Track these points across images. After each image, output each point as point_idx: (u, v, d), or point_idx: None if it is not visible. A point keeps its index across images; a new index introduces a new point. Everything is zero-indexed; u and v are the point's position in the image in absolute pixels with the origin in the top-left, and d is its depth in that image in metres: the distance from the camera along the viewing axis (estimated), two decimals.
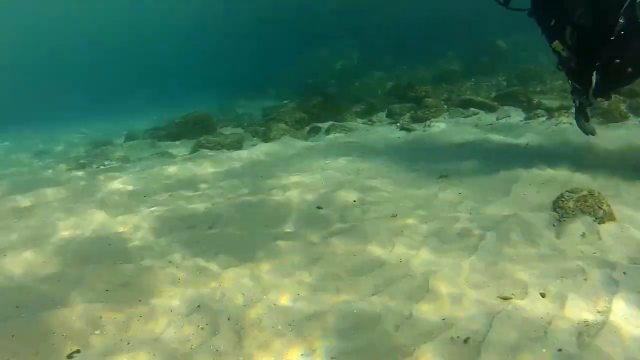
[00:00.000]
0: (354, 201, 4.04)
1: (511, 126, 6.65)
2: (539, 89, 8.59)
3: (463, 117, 7.66)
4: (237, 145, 7.59)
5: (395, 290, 2.53)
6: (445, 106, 8.31)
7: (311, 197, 4.26)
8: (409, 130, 7.26)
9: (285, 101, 11.00)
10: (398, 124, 7.80)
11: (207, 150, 7.58)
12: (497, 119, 7.28)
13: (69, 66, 31.40)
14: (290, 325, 2.32)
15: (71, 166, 7.52)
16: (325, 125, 8.28)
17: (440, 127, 7.12)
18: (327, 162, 5.58)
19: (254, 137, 8.05)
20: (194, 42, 26.43)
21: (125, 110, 15.96)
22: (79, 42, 34.14)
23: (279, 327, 2.30)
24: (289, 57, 15.18)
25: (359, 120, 8.63)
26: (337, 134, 7.56)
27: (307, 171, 5.22)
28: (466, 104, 8.15)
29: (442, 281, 2.56)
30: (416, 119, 7.82)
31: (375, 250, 3.06)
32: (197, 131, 8.89)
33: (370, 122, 8.27)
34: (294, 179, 4.90)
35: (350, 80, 11.48)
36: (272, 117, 8.76)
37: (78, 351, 2.25)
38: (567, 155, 4.69)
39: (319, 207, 3.98)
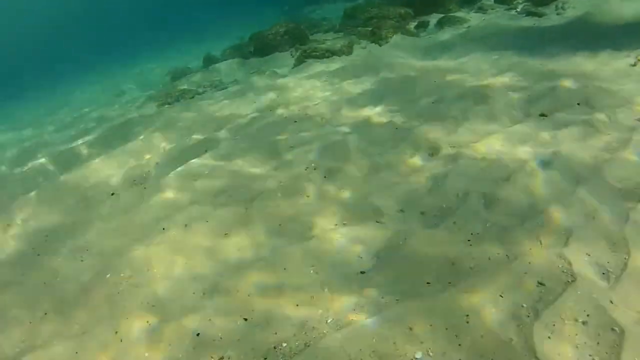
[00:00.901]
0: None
1: None
2: None
3: None
4: (348, 50, 7.13)
5: None
6: None
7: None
8: (537, 15, 6.63)
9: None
10: (517, 10, 7.13)
11: (314, 60, 7.20)
12: None
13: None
14: None
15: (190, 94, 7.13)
16: (431, 18, 7.67)
17: (577, 7, 6.47)
18: (495, 57, 5.19)
19: (360, 39, 7.54)
20: None
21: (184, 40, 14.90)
22: None
23: None
24: None
25: (464, 9, 7.94)
26: (455, 27, 7.00)
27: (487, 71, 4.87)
28: None
29: None
30: (538, 2, 7.11)
31: None
32: (288, 42, 8.33)
33: (482, 11, 7.59)
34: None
35: None
36: (369, 16, 8.12)
37: None
38: None
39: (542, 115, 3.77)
